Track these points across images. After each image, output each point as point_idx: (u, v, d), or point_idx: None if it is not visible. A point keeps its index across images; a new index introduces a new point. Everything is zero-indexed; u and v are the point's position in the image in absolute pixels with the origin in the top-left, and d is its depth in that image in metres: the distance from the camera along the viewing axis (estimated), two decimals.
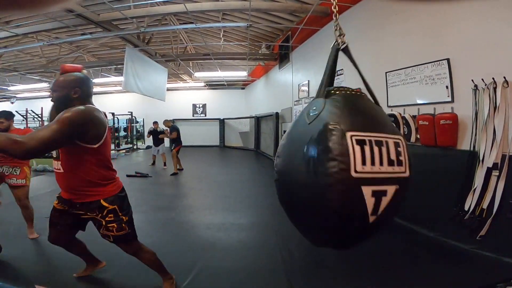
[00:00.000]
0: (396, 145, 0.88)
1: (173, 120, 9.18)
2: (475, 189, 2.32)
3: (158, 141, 7.05)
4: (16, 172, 2.52)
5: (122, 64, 5.70)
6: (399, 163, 0.88)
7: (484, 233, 2.24)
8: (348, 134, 0.84)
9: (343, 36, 1.09)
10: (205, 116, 13.39)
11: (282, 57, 7.39)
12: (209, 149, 11.84)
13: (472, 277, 1.96)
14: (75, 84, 1.45)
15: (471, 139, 2.37)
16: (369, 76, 3.60)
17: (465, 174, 2.42)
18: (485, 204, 2.25)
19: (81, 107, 1.35)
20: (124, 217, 1.53)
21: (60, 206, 1.57)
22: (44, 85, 10.02)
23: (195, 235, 2.80)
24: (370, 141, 0.86)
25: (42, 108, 10.67)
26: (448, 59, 2.55)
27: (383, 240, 2.60)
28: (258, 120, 10.27)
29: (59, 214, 1.59)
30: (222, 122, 13.07)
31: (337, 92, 0.97)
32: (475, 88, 2.32)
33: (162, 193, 4.61)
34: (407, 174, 0.90)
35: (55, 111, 1.47)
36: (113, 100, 12.70)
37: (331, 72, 1.06)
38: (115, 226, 1.50)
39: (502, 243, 2.14)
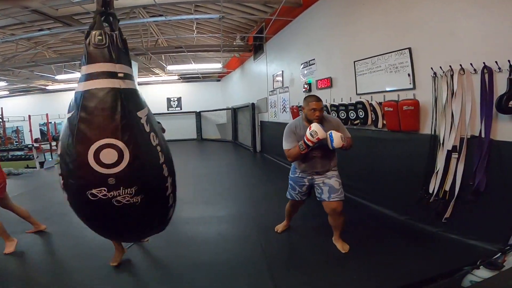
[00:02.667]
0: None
1: None
2: (437, 172, 2.44)
3: None
4: None
5: None
6: None
7: (449, 215, 2.36)
8: None
9: None
10: (181, 109, 13.08)
11: (256, 48, 7.34)
12: (186, 142, 11.64)
13: (440, 260, 2.04)
14: None
15: (432, 123, 2.50)
16: (340, 65, 3.74)
17: (428, 157, 2.56)
18: (447, 186, 2.37)
19: None
20: None
21: None
22: (2, 84, 9.27)
23: (174, 230, 2.74)
24: None
25: (1, 108, 9.92)
26: (409, 48, 2.68)
27: (355, 225, 2.73)
28: (235, 112, 10.22)
29: None
30: (198, 114, 12.85)
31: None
32: (434, 75, 2.47)
33: None
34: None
35: None
36: None
37: None
38: None
39: (466, 225, 2.26)
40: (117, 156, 0.88)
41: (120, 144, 0.89)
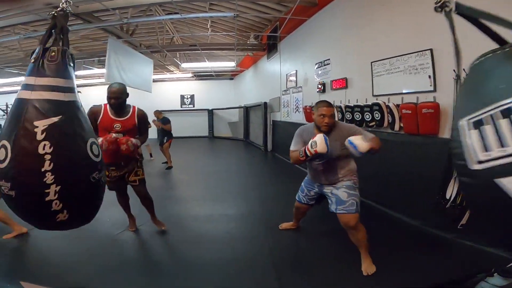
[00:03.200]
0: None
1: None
2: (455, 177, 2.38)
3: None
4: None
5: (105, 56, 5.52)
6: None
7: (465, 222, 2.31)
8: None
9: None
10: (194, 107, 13.22)
11: (270, 47, 7.31)
12: (198, 140, 11.77)
13: (454, 266, 2.00)
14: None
15: (452, 127, 2.43)
16: (356, 65, 3.66)
17: (446, 162, 2.49)
18: None
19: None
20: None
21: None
22: (23, 78, 9.63)
23: (182, 227, 2.81)
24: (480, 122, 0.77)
25: None
26: (431, 50, 2.59)
27: (367, 228, 2.68)
28: (247, 110, 10.23)
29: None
30: (210, 112, 12.95)
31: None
32: (456, 78, 2.36)
33: (149, 186, 4.55)
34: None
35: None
36: (97, 92, 12.30)
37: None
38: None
39: (482, 232, 2.14)
40: (4, 155, 1.05)
41: (8, 146, 1.05)
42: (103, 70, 6.08)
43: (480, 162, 0.68)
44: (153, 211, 2.62)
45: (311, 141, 1.83)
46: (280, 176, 5.07)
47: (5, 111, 9.76)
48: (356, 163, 2.18)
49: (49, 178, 1.07)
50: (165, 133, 6.04)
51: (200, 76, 12.65)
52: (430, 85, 2.63)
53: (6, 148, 1.05)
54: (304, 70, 5.41)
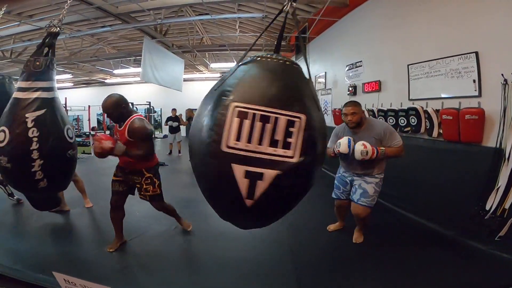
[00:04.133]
0: (289, 124, 0.74)
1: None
2: (498, 188, 2.21)
3: (174, 129, 7.22)
4: None
5: (141, 55, 5.79)
6: (286, 145, 0.74)
7: (504, 234, 2.16)
8: (233, 104, 0.75)
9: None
10: None
11: (298, 48, 7.22)
12: None
13: (488, 279, 1.91)
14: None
15: (498, 136, 2.25)
16: (390, 68, 3.54)
17: (489, 172, 2.31)
18: (507, 204, 2.15)
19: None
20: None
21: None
22: (68, 76, 10.40)
23: (205, 225, 2.85)
24: (254, 114, 0.73)
25: (65, 98, 11.13)
26: (476, 52, 2.41)
27: (397, 236, 2.57)
28: None
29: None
30: None
31: (257, 59, 0.90)
32: (504, 82, 2.19)
33: (178, 183, 4.70)
34: (295, 159, 0.75)
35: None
36: (132, 90, 12.99)
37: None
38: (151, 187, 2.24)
39: None
40: (3, 137, 1.46)
41: (7, 130, 1.47)
42: (139, 69, 6.40)
43: None
44: (176, 216, 2.59)
45: (338, 141, 2.10)
46: None
47: None
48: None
49: (35, 154, 1.48)
50: None
51: None
52: (475, 90, 2.44)
53: (5, 132, 1.47)
54: (334, 72, 5.27)
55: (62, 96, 9.97)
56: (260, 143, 0.72)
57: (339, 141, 2.09)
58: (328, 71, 5.57)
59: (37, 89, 1.55)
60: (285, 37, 7.39)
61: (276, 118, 0.73)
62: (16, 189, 1.70)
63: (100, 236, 2.61)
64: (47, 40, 1.61)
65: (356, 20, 4.33)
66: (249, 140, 0.72)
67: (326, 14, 4.70)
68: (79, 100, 13.24)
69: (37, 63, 1.56)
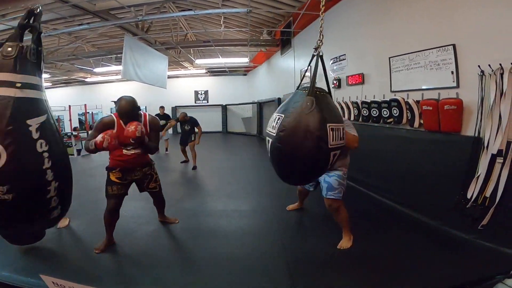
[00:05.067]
0: (342, 129, 1.63)
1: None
2: (478, 177, 2.27)
3: (162, 127, 7.08)
4: None
5: (122, 53, 5.64)
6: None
7: (486, 223, 2.21)
8: (327, 124, 1.55)
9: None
10: (208, 102, 13.33)
11: (284, 43, 7.23)
12: (211, 135, 11.86)
13: (472, 268, 1.95)
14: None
15: (476, 125, 2.32)
16: (373, 61, 3.58)
17: (468, 161, 2.39)
18: (488, 193, 2.21)
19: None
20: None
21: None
22: (46, 76, 10.00)
23: (196, 222, 2.85)
24: (333, 128, 1.56)
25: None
26: (454, 45, 2.48)
27: (384, 228, 2.65)
28: (260, 106, 10.21)
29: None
30: (224, 108, 13.02)
31: (317, 93, 1.63)
32: (481, 73, 2.27)
33: (164, 181, 4.61)
34: (275, 134, 1.62)
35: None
36: (115, 89, 12.66)
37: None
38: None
39: (504, 234, 2.12)
40: None
41: (1, 148, 1.00)
42: (120, 67, 6.23)
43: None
44: (164, 210, 2.75)
45: None
46: None
47: None
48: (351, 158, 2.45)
49: (49, 175, 1.09)
50: (192, 132, 5.64)
51: (213, 72, 12.71)
52: (453, 81, 2.52)
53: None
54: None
55: None
56: (337, 140, 1.62)
57: None
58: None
59: (28, 86, 1.11)
60: (270, 31, 7.36)
61: (339, 128, 1.64)
62: (10, 235, 1.26)
63: (90, 238, 2.55)
64: (29, 20, 1.17)
65: (339, 14, 4.36)
66: (334, 140, 1.59)
67: (310, 8, 4.71)
68: (59, 100, 12.78)
69: (32, 50, 1.11)
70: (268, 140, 1.72)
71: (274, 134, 1.62)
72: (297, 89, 1.81)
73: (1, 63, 1.09)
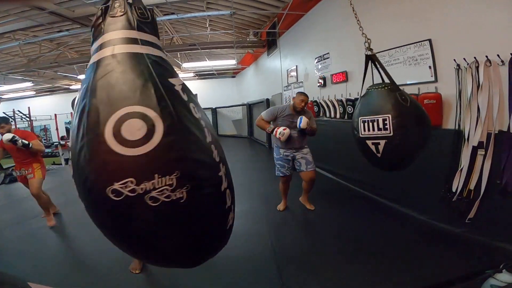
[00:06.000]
0: (384, 120, 1.69)
1: None
2: (461, 169, 2.30)
3: None
4: (29, 170, 2.91)
5: None
6: (385, 128, 1.69)
7: (473, 216, 2.22)
8: (359, 118, 1.84)
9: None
10: None
11: (270, 43, 7.24)
12: None
13: (461, 262, 1.96)
14: None
15: (456, 118, 2.36)
16: (355, 58, 3.60)
17: (451, 154, 2.42)
18: (472, 185, 2.23)
19: None
20: None
21: None
22: (28, 84, 9.77)
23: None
24: (365, 120, 1.78)
25: (29, 108, 10.47)
26: (429, 40, 2.53)
27: (373, 224, 2.66)
28: (250, 108, 10.20)
29: None
30: (214, 111, 12.96)
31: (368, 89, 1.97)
32: (457, 67, 2.31)
33: None
34: (391, 134, 1.68)
35: None
36: None
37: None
38: None
39: (492, 226, 2.12)
40: (146, 129, 0.61)
41: (149, 112, 0.64)
42: None
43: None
44: None
45: (281, 131, 2.72)
46: None
47: (12, 117, 9.88)
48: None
49: (215, 153, 0.76)
50: None
51: (202, 75, 12.65)
52: (431, 76, 2.56)
53: (147, 118, 0.65)
54: (305, 65, 5.34)
55: (24, 105, 9.41)
56: (373, 129, 1.80)
57: (284, 131, 2.70)
58: (299, 64, 5.63)
59: (152, 45, 0.82)
60: (256, 32, 7.37)
61: (378, 119, 1.75)
62: (194, 257, 0.81)
63: (83, 245, 2.53)
64: None
65: (321, 13, 4.40)
66: (368, 130, 1.81)
67: (293, 8, 4.74)
68: (44, 109, 12.51)
69: (140, 11, 0.82)
70: (377, 143, 1.75)
71: (390, 134, 1.68)
72: (368, 89, 1.96)
73: (108, 24, 0.80)
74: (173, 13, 4.88)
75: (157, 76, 0.71)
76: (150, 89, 0.68)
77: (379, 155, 1.75)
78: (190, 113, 0.74)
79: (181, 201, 0.64)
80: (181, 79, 0.84)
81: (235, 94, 12.66)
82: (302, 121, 2.69)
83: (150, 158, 0.62)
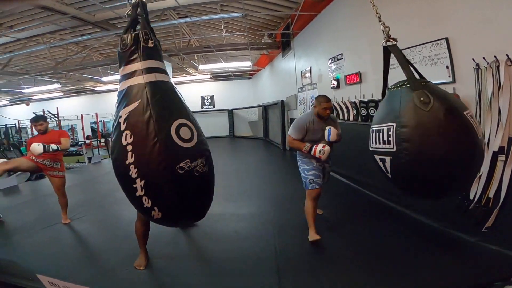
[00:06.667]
0: (388, 130, 1.33)
1: None
2: (480, 176, 2.16)
3: None
4: (57, 165, 2.98)
5: None
6: (389, 141, 1.32)
7: (490, 225, 2.10)
8: (371, 126, 1.52)
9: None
10: (214, 107, 13.44)
11: (284, 45, 7.21)
12: (219, 139, 11.92)
13: (475, 271, 1.86)
14: None
15: None
16: (368, 59, 3.51)
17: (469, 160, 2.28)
18: (491, 193, 2.10)
19: None
20: None
21: None
22: (56, 86, 10.35)
23: (193, 226, 2.84)
24: (373, 129, 1.44)
25: (57, 108, 11.10)
26: (446, 38, 2.40)
27: (385, 230, 2.56)
28: (265, 109, 10.19)
29: None
30: (230, 112, 13.08)
31: (424, 84, 1.42)
32: (477, 67, 2.17)
33: None
34: (394, 149, 1.29)
35: None
36: None
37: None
38: None
39: (509, 236, 2.00)
40: (190, 133, 1.10)
41: (189, 123, 1.12)
42: None
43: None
44: None
45: (321, 149, 2.33)
46: (296, 175, 4.96)
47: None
48: None
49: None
50: None
51: (218, 76, 12.81)
52: (449, 76, 2.42)
53: (189, 127, 1.13)
54: (318, 66, 5.25)
55: (53, 106, 9.95)
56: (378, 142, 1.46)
57: (323, 149, 2.32)
58: (313, 65, 5.55)
59: (157, 70, 1.20)
60: (270, 34, 7.37)
61: (382, 129, 1.43)
62: (203, 205, 1.26)
63: (94, 241, 2.64)
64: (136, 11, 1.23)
65: (334, 13, 4.33)
66: (375, 142, 1.48)
67: (305, 8, 4.69)
68: (71, 109, 13.22)
69: (150, 40, 1.18)
70: (383, 159, 1.38)
71: (393, 149, 1.28)
72: (389, 89, 1.56)
73: (150, 52, 1.19)
74: (186, 16, 4.97)
75: (181, 97, 1.23)
76: (185, 108, 1.21)
77: (389, 174, 1.38)
78: (197, 123, 1.21)
79: (206, 172, 1.17)
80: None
81: (251, 96, 12.71)
82: (331, 134, 2.38)
83: (195, 148, 1.13)
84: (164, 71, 1.22)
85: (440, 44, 2.43)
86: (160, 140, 1.05)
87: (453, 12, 2.34)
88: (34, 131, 2.97)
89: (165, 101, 1.14)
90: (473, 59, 2.17)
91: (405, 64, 1.48)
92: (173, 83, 1.27)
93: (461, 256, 2.10)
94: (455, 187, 1.36)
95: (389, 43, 1.57)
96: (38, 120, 2.94)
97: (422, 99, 1.27)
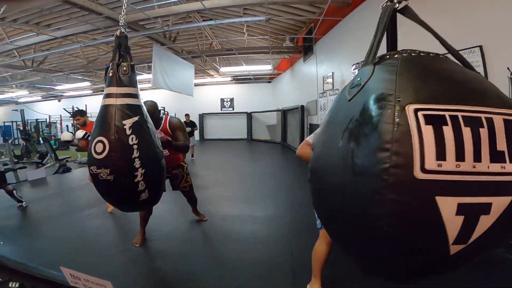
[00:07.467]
0: (509, 125, 0.52)
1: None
2: None
3: (188, 134, 7.39)
4: None
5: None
6: None
7: None
8: (411, 107, 0.52)
9: None
10: (233, 110, 13.57)
11: (306, 49, 7.18)
12: (236, 142, 12.02)
13: (496, 284, 1.78)
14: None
15: None
16: None
17: None
18: None
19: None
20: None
21: None
22: (87, 84, 10.89)
23: (210, 225, 2.90)
24: (454, 117, 0.51)
25: (86, 105, 11.66)
26: (480, 46, 2.29)
27: None
28: (284, 113, 10.17)
29: None
30: (249, 115, 13.16)
31: (395, 56, 0.68)
32: (511, 76, 2.06)
33: None
34: None
35: None
36: (146, 96, 13.16)
37: (381, 36, 0.74)
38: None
39: None
40: (102, 148, 1.34)
41: (105, 140, 1.35)
42: (151, 76, 6.59)
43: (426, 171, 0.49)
44: (196, 206, 2.97)
45: None
46: None
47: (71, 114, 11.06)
48: None
49: (137, 163, 1.40)
50: (192, 133, 6.44)
51: (239, 79, 12.95)
52: None
53: (103, 143, 1.36)
54: (341, 71, 5.18)
55: (82, 102, 10.48)
56: (477, 159, 0.50)
57: None
58: (335, 71, 5.48)
59: (128, 95, 1.46)
60: (292, 38, 7.37)
61: (490, 119, 0.51)
62: (116, 204, 1.59)
63: (117, 236, 2.74)
64: (122, 45, 1.48)
65: (359, 19, 4.26)
66: (460, 157, 0.49)
67: (329, 14, 4.66)
68: (98, 106, 13.80)
69: (124, 68, 1.44)
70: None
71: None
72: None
73: (108, 80, 1.48)
74: (211, 19, 5.09)
75: (116, 120, 1.40)
76: (108, 127, 1.39)
77: (459, 246, 0.65)
78: (126, 141, 1.38)
79: (110, 180, 1.38)
80: (138, 117, 1.44)
81: (270, 100, 12.73)
82: None
83: (103, 160, 1.36)
84: (130, 95, 1.47)
85: (474, 52, 2.33)
86: (89, 149, 1.41)
87: (488, 20, 2.24)
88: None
89: (98, 121, 1.42)
90: (508, 68, 2.06)
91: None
92: (141, 105, 1.51)
93: (483, 267, 1.95)
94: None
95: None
96: (75, 115, 3.28)
97: (358, 79, 0.77)
